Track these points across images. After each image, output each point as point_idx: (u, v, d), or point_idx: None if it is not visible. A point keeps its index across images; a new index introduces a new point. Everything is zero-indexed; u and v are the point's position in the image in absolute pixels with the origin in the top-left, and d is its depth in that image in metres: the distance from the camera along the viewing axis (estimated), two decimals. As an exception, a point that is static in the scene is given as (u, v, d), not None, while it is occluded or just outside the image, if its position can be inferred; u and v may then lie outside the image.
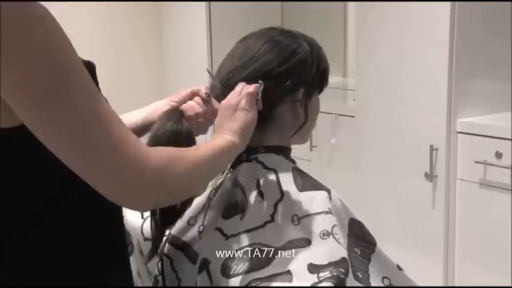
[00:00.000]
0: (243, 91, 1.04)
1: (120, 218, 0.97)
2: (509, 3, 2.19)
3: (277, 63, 1.10)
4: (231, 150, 0.98)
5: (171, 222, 1.11)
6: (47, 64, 0.71)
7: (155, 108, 1.13)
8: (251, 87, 1.05)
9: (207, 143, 0.96)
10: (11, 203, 0.82)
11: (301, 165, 1.17)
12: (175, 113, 1.07)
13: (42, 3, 0.73)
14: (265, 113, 1.08)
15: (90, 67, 0.80)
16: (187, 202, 1.09)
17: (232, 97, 1.05)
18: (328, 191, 1.08)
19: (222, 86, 1.12)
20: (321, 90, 1.20)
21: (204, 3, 3.11)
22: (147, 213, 1.22)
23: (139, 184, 0.80)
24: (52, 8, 0.77)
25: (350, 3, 3.21)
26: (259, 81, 1.06)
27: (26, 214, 0.82)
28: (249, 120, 1.02)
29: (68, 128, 0.74)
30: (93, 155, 0.76)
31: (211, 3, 3.12)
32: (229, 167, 1.16)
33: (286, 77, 1.10)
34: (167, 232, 1.14)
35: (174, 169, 0.85)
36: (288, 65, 1.10)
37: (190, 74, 3.24)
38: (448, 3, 2.06)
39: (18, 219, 0.83)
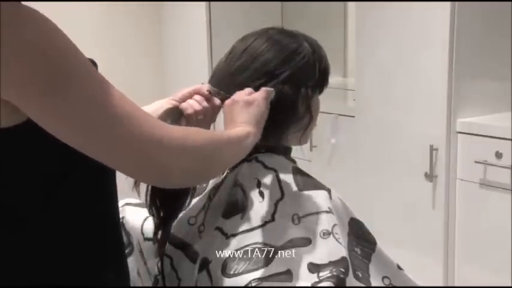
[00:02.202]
0: (261, 89, 1.06)
1: (116, 218, 0.97)
2: (509, 3, 2.19)
3: (279, 64, 1.10)
4: (247, 138, 0.99)
5: (172, 217, 1.09)
6: (42, 59, 0.71)
7: (158, 106, 1.13)
8: (268, 88, 1.06)
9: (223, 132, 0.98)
10: (4, 202, 0.81)
11: (301, 165, 1.17)
12: (174, 112, 1.07)
13: (42, 3, 0.74)
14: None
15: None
16: (187, 195, 1.08)
17: (242, 94, 1.06)
18: (329, 191, 1.08)
19: (223, 87, 1.11)
20: (321, 90, 1.20)
21: (204, 3, 3.11)
22: (147, 214, 1.22)
23: (163, 153, 0.80)
24: (52, 8, 0.78)
25: (350, 3, 3.21)
26: (271, 89, 1.07)
27: (19, 213, 0.82)
28: (263, 113, 1.04)
29: (76, 116, 0.74)
30: (110, 135, 0.76)
31: (211, 3, 3.12)
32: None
33: (289, 78, 1.10)
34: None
35: (194, 138, 0.86)
36: (290, 66, 1.10)
37: (190, 74, 3.24)
38: (448, 3, 2.06)
39: (11, 218, 0.82)
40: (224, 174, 1.16)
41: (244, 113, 1.03)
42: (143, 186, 1.03)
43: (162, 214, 1.05)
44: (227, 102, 1.07)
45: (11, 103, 0.73)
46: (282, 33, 1.15)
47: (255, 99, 1.04)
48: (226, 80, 1.12)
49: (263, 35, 1.14)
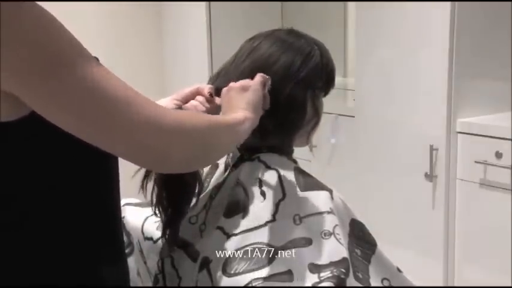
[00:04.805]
0: (257, 75, 1.06)
1: (117, 216, 0.97)
2: (509, 3, 2.19)
3: (296, 67, 1.10)
4: (244, 123, 0.98)
5: (180, 216, 1.09)
6: (39, 48, 0.72)
7: (161, 104, 1.13)
8: (263, 74, 1.06)
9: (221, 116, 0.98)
10: (4, 196, 0.81)
11: (301, 165, 1.17)
12: None
13: (42, 3, 0.74)
14: (270, 113, 1.08)
15: None
16: (193, 194, 1.08)
17: (239, 82, 1.05)
18: (330, 191, 1.08)
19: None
20: (326, 92, 1.20)
21: (204, 3, 3.11)
22: (148, 213, 1.22)
23: (162, 137, 0.80)
24: (51, 7, 0.78)
25: (350, 3, 3.21)
26: (268, 76, 1.07)
27: (19, 210, 0.82)
28: (258, 99, 1.03)
29: (75, 101, 0.74)
30: (109, 119, 0.76)
31: (211, 3, 3.11)
32: (231, 165, 1.16)
33: (302, 80, 1.10)
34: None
35: (192, 120, 0.87)
36: (304, 68, 1.11)
37: (190, 73, 3.24)
38: (448, 3, 2.06)
39: (11, 214, 0.82)
40: (226, 174, 1.16)
41: (240, 98, 1.02)
42: (149, 187, 1.03)
43: (169, 213, 1.06)
44: (224, 89, 1.07)
45: (12, 96, 0.73)
46: (291, 35, 1.15)
47: (251, 84, 1.04)
48: (235, 81, 1.11)
49: (272, 37, 1.14)
